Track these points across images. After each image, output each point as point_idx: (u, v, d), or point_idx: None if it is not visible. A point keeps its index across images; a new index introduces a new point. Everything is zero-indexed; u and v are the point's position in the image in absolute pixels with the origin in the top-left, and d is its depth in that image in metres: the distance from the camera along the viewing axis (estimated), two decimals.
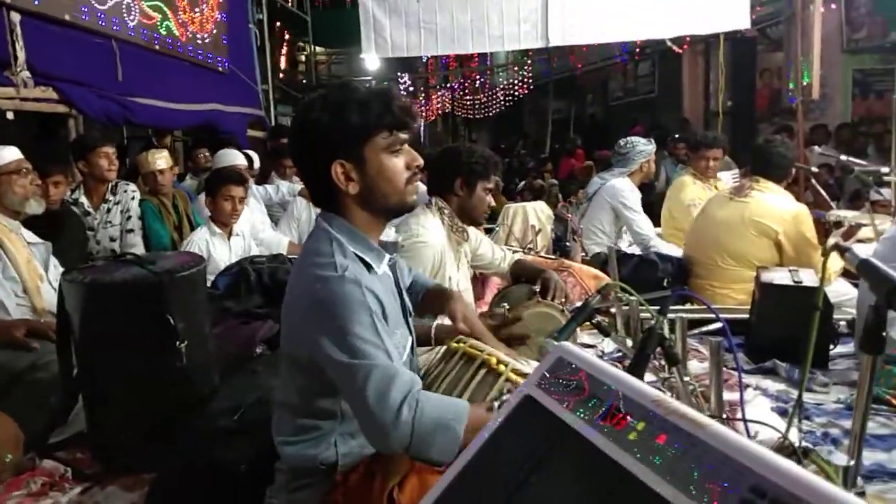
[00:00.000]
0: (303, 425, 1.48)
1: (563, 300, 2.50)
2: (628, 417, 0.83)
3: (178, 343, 2.10)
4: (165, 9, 5.76)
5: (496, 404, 1.38)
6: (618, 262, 3.01)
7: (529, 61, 14.73)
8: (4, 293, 2.57)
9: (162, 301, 2.08)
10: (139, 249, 3.72)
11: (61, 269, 2.75)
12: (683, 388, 1.53)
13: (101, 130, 4.50)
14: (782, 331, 2.46)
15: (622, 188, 4.22)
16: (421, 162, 1.49)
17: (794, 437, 1.35)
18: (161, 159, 4.02)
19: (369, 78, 16.27)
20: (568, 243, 4.26)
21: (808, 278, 2.60)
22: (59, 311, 2.13)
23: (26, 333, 2.43)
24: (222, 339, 2.53)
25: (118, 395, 2.14)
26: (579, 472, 0.84)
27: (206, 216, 3.75)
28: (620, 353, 2.51)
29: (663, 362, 1.61)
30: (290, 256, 3.52)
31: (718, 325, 2.70)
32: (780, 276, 2.66)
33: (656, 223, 4.48)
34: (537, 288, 2.45)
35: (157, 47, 5.62)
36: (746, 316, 2.81)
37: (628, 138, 4.41)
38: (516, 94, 15.82)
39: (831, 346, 2.57)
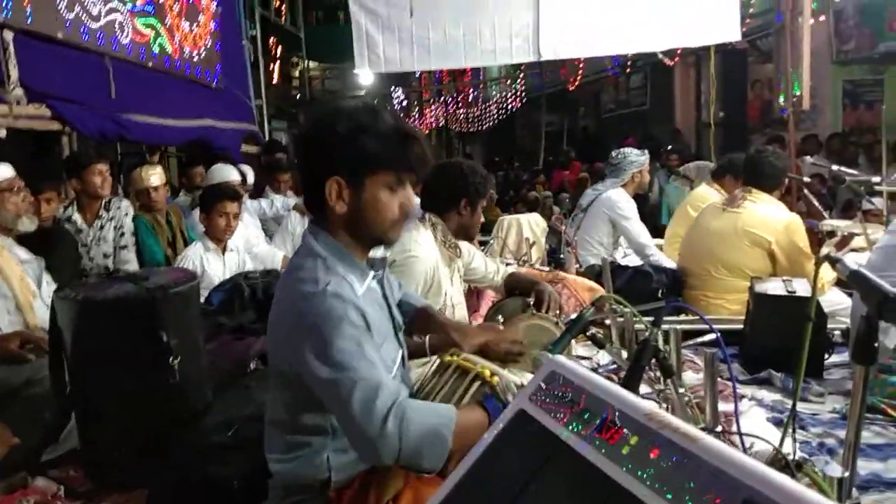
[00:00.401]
0: (293, 442, 1.46)
1: (558, 312, 2.50)
2: (622, 431, 0.83)
3: (171, 359, 2.08)
4: (158, 26, 5.78)
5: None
6: (612, 274, 3.02)
7: (522, 75, 14.83)
8: None
9: (155, 317, 2.07)
10: (133, 265, 3.72)
11: (54, 286, 2.74)
12: (678, 400, 1.53)
13: (95, 147, 4.49)
14: (777, 341, 2.46)
15: (618, 199, 4.23)
16: (412, 207, 1.49)
17: (788, 448, 1.35)
18: (154, 176, 4.01)
19: (363, 92, 16.39)
20: (562, 255, 4.26)
21: (802, 288, 2.61)
22: (52, 328, 2.12)
23: (21, 345, 2.40)
24: (216, 355, 2.52)
25: (111, 411, 2.12)
26: (572, 486, 0.84)
27: (200, 232, 3.75)
28: (615, 365, 2.51)
29: (658, 374, 1.61)
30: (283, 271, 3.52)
31: (713, 335, 2.70)
32: (774, 287, 2.67)
33: (652, 234, 4.48)
34: (531, 300, 2.45)
35: (150, 64, 5.64)
36: (741, 326, 2.81)
37: (621, 149, 4.43)
38: (509, 107, 15.93)
39: (826, 356, 2.57)
